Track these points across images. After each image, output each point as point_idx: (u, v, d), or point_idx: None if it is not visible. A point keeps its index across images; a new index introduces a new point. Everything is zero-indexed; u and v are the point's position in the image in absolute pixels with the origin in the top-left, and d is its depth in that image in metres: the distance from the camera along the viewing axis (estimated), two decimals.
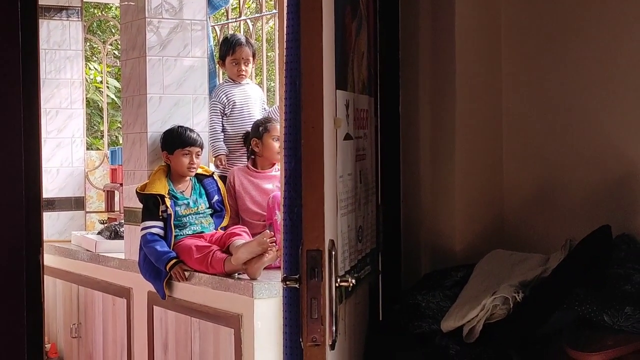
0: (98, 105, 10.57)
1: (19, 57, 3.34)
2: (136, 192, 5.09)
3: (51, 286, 6.33)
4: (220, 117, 5.45)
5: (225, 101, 5.43)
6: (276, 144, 4.99)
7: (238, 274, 4.64)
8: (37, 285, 3.37)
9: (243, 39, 5.49)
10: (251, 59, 5.48)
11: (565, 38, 3.62)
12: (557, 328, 3.05)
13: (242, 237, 4.76)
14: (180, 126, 5.20)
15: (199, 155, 5.10)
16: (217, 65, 5.84)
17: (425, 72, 3.88)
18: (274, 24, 6.22)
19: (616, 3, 3.45)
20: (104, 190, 6.75)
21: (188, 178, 5.10)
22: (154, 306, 5.20)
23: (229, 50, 5.46)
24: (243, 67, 5.44)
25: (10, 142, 3.32)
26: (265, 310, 4.43)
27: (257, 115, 5.43)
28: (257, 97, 5.52)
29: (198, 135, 5.16)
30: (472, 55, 3.80)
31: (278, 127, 4.93)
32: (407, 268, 3.89)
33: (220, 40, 5.81)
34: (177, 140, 5.10)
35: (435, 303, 3.39)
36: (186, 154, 5.05)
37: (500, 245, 3.69)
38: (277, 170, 5.09)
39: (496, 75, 3.85)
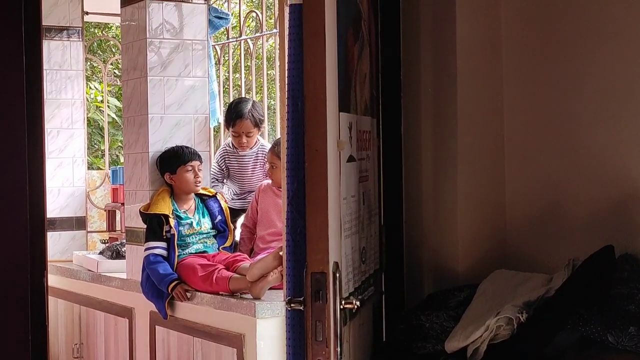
0: (99, 124, 10.58)
1: (23, 79, 3.35)
2: (140, 212, 5.11)
3: (53, 306, 6.32)
4: (218, 182, 5.53)
5: (223, 167, 5.55)
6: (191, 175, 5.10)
7: (241, 294, 4.64)
8: (41, 307, 3.38)
9: (245, 110, 5.39)
10: (254, 129, 5.40)
11: (567, 58, 3.64)
12: (561, 348, 3.05)
13: (248, 261, 4.78)
14: (178, 145, 5.24)
15: (200, 169, 5.14)
16: (218, 86, 5.86)
17: (427, 94, 3.89)
18: (274, 43, 6.24)
19: (618, 22, 3.46)
20: (105, 210, 6.75)
21: (192, 198, 5.12)
22: (156, 326, 5.20)
23: (229, 122, 5.45)
24: (244, 140, 5.41)
25: (14, 163, 3.33)
26: (267, 329, 4.43)
27: (254, 179, 5.48)
28: (256, 162, 5.50)
29: (195, 150, 5.21)
30: (473, 75, 3.82)
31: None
32: (410, 288, 3.89)
33: (227, 107, 5.76)
34: (178, 158, 5.15)
35: (439, 323, 3.40)
36: (189, 170, 5.10)
37: (503, 265, 3.70)
38: None
39: (498, 96, 3.86)
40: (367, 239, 3.32)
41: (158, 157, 5.25)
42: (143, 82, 5.35)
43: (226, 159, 5.57)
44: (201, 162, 5.19)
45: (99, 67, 10.06)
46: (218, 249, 5.07)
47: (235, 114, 5.40)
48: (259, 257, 4.79)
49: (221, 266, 4.81)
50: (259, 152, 5.48)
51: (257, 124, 5.42)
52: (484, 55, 3.85)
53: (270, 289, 4.53)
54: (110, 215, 6.65)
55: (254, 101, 5.54)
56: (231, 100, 6.56)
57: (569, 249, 3.50)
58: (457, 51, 3.78)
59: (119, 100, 10.08)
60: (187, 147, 5.22)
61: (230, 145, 5.55)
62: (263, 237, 5.12)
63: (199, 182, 5.12)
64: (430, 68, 3.88)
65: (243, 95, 6.78)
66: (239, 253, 5.03)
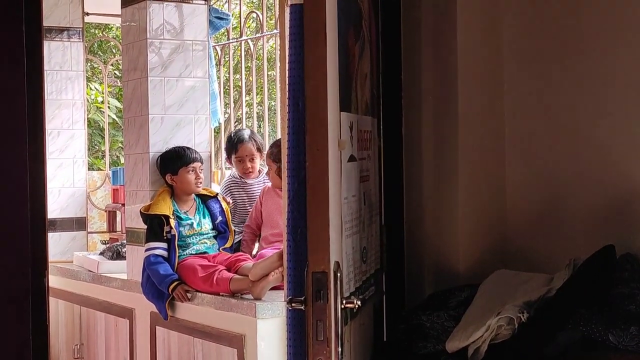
0: (99, 125, 10.59)
1: (24, 79, 3.34)
2: (140, 212, 5.11)
3: (53, 307, 6.32)
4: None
5: (230, 198, 5.48)
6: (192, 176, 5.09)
7: (242, 294, 4.64)
8: (42, 308, 3.37)
9: (246, 135, 5.42)
10: (257, 154, 5.41)
11: (568, 60, 3.64)
12: (562, 348, 3.05)
13: (250, 261, 4.78)
14: (179, 146, 5.25)
15: (202, 170, 5.15)
16: (218, 87, 5.86)
17: (428, 93, 3.89)
18: (275, 43, 6.24)
19: (618, 25, 3.47)
20: (105, 211, 6.76)
21: (192, 198, 5.13)
22: (157, 327, 5.20)
23: (232, 149, 5.44)
24: (248, 165, 5.41)
25: (15, 164, 3.33)
26: (268, 330, 4.43)
27: None
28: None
29: (196, 151, 5.21)
30: (474, 75, 3.82)
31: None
32: (411, 288, 3.89)
33: (226, 138, 5.75)
34: (179, 159, 5.16)
35: (440, 323, 3.40)
36: (191, 171, 5.11)
37: (504, 265, 3.70)
38: None
39: (499, 97, 3.86)
40: (368, 239, 3.32)
41: (158, 158, 5.25)
42: (143, 82, 5.35)
43: (233, 190, 5.51)
44: (202, 163, 5.20)
45: (100, 67, 10.06)
46: (218, 249, 5.07)
47: (236, 139, 5.43)
48: (263, 251, 4.80)
49: (222, 267, 4.81)
50: (264, 181, 5.45)
51: (259, 149, 5.41)
52: (485, 54, 3.85)
53: (271, 289, 4.54)
54: (111, 216, 6.65)
55: (252, 130, 5.54)
56: (232, 101, 6.58)
57: (569, 248, 3.50)
58: (458, 50, 3.78)
59: (119, 101, 10.09)
60: (188, 148, 5.22)
61: (236, 175, 5.53)
62: (266, 237, 5.12)
63: (200, 182, 5.13)
64: (431, 68, 3.88)
65: (243, 96, 6.79)
66: (241, 253, 5.03)
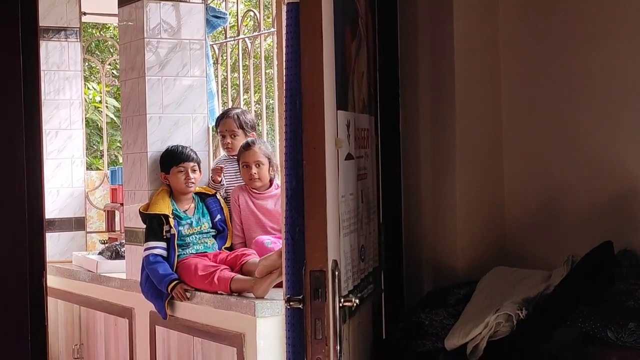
0: (97, 125, 10.59)
1: (20, 80, 3.35)
2: (139, 212, 5.11)
3: (52, 307, 6.33)
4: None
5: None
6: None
7: (241, 294, 4.64)
8: (41, 308, 3.38)
9: (232, 112, 5.37)
10: (238, 130, 5.31)
11: (565, 54, 3.64)
12: (560, 345, 3.05)
13: (255, 256, 4.77)
14: (175, 145, 5.24)
15: (194, 170, 5.14)
16: (216, 86, 5.85)
17: (425, 91, 3.89)
18: (272, 42, 6.24)
19: (615, 19, 3.46)
20: (104, 210, 6.76)
21: (191, 197, 5.13)
22: (156, 326, 5.20)
23: (217, 124, 5.42)
24: (228, 140, 5.32)
25: (12, 165, 3.33)
26: (267, 328, 4.43)
27: None
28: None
29: (192, 150, 5.20)
30: (471, 72, 3.81)
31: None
32: (409, 286, 3.89)
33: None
34: (171, 158, 5.17)
35: (439, 321, 3.40)
36: (181, 171, 5.11)
37: (502, 262, 3.70)
38: (277, 189, 5.08)
39: (496, 93, 3.86)
40: (366, 237, 3.32)
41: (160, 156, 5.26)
42: (141, 82, 5.35)
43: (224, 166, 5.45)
44: (196, 162, 5.17)
45: (97, 67, 10.07)
46: (219, 248, 5.07)
47: (221, 115, 5.44)
48: (258, 259, 4.76)
49: (223, 266, 4.80)
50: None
51: (242, 127, 5.35)
52: (482, 52, 3.85)
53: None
54: (110, 216, 6.65)
55: (245, 110, 5.52)
56: (230, 99, 6.58)
57: (568, 245, 3.50)
58: (455, 49, 3.77)
59: (117, 101, 10.08)
60: (183, 147, 5.22)
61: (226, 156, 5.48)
62: (252, 230, 5.09)
63: (192, 182, 5.11)
64: (428, 66, 3.88)
65: (241, 95, 6.79)
66: (245, 248, 5.01)
